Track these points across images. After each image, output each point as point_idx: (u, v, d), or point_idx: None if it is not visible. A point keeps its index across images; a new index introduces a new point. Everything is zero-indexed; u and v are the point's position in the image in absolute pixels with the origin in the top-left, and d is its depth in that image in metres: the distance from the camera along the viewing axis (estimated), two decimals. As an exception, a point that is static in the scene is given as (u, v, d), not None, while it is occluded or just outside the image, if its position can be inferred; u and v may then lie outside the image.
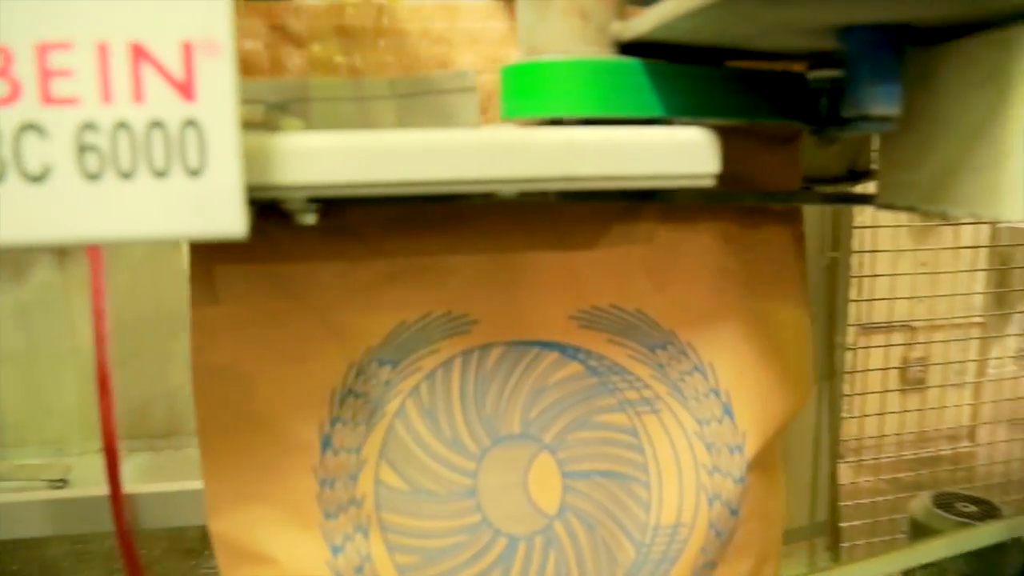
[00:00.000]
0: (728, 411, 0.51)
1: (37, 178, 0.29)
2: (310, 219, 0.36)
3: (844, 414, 1.17)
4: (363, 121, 0.40)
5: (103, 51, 0.29)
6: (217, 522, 0.48)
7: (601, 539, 0.51)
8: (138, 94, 0.29)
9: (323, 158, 0.32)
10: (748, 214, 0.51)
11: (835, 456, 1.15)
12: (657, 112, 0.39)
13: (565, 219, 0.48)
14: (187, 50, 0.29)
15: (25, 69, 0.29)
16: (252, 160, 0.31)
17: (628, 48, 0.40)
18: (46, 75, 0.29)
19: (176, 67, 0.29)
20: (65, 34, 0.29)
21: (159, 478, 1.05)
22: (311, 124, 0.38)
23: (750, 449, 0.51)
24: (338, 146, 0.33)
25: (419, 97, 0.42)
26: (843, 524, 1.19)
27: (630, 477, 0.51)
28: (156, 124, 0.30)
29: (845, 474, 1.24)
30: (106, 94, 0.29)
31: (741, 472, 0.51)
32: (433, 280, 0.48)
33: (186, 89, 0.30)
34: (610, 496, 0.51)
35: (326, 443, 0.49)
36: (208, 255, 0.47)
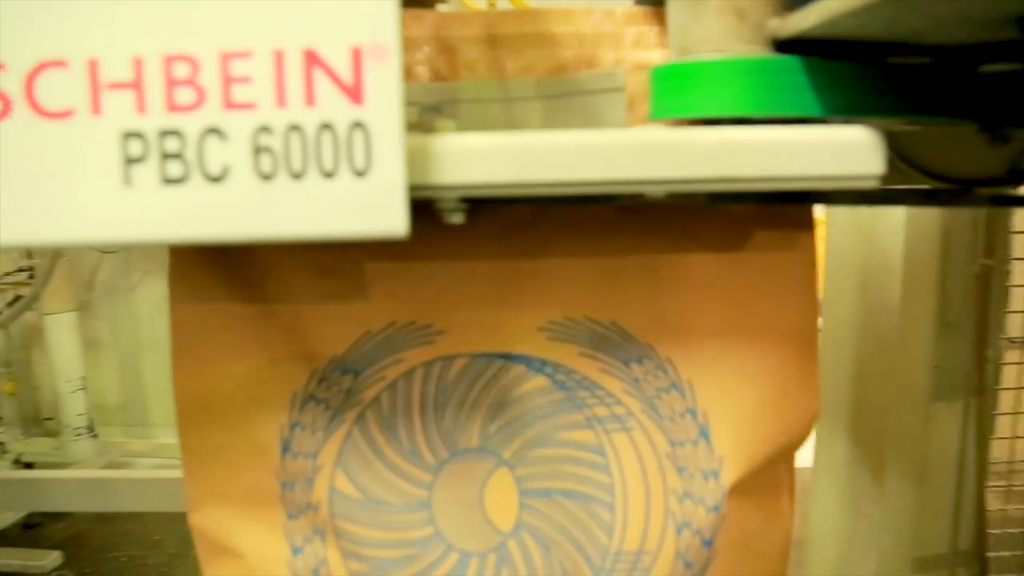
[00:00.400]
0: (705, 434, 0.47)
1: (217, 179, 0.31)
2: (458, 219, 0.37)
3: (994, 435, 1.09)
4: (509, 123, 0.41)
5: (279, 58, 0.31)
6: (194, 515, 0.50)
7: (558, 561, 0.49)
8: (310, 98, 0.31)
9: (481, 159, 0.33)
10: (746, 226, 0.47)
11: (982, 480, 1.07)
12: (816, 111, 0.38)
13: (540, 228, 0.46)
14: (356, 55, 0.31)
15: (209, 77, 0.31)
16: (411, 161, 0.32)
17: (782, 45, 0.38)
18: (228, 82, 0.31)
19: (346, 72, 0.31)
20: (245, 43, 0.31)
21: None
22: (459, 126, 0.39)
23: (728, 476, 0.47)
24: (495, 147, 0.33)
25: (566, 98, 0.42)
26: (990, 554, 1.11)
27: (593, 498, 0.48)
28: (326, 126, 0.31)
29: (993, 500, 1.15)
30: (281, 99, 0.31)
31: (716, 500, 0.47)
32: (400, 289, 0.48)
33: (355, 93, 0.31)
34: (570, 517, 0.49)
35: (285, 447, 0.50)
36: (186, 255, 0.48)
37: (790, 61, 0.37)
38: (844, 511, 1.06)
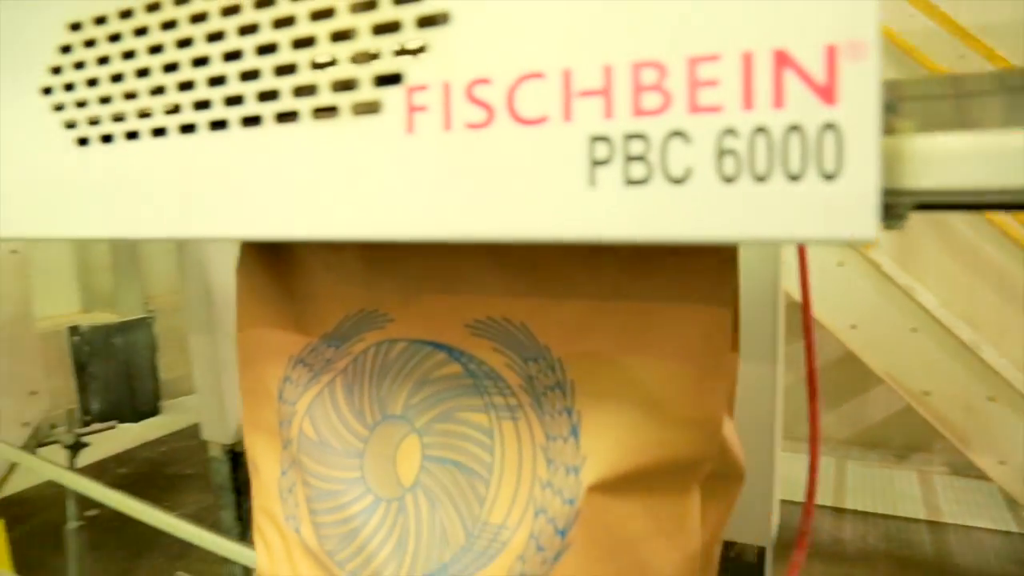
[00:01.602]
0: (575, 432, 0.51)
1: (678, 181, 0.32)
2: (900, 224, 0.34)
3: None
4: (961, 121, 0.37)
5: (747, 60, 0.31)
6: (244, 440, 0.69)
7: (439, 519, 0.55)
8: (778, 100, 0.31)
9: (958, 163, 0.30)
10: (662, 254, 0.50)
11: None
12: None
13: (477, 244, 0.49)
14: (830, 53, 0.30)
15: (676, 82, 0.32)
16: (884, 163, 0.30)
17: None
18: (694, 86, 0.32)
19: (818, 71, 0.30)
20: (713, 47, 0.31)
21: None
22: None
23: (589, 474, 0.49)
24: (976, 149, 0.30)
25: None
26: None
27: (476, 473, 0.54)
28: (794, 128, 0.30)
29: None
30: (748, 101, 0.31)
31: (573, 494, 0.50)
32: (371, 282, 0.59)
33: (827, 93, 0.30)
34: (456, 484, 0.55)
35: (280, 395, 0.65)
36: (250, 249, 0.63)
37: None
38: None
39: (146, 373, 4.05)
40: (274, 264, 0.65)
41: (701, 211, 0.32)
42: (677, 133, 0.32)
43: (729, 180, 0.31)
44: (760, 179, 0.31)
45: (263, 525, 0.67)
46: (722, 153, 0.31)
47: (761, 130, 0.31)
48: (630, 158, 0.33)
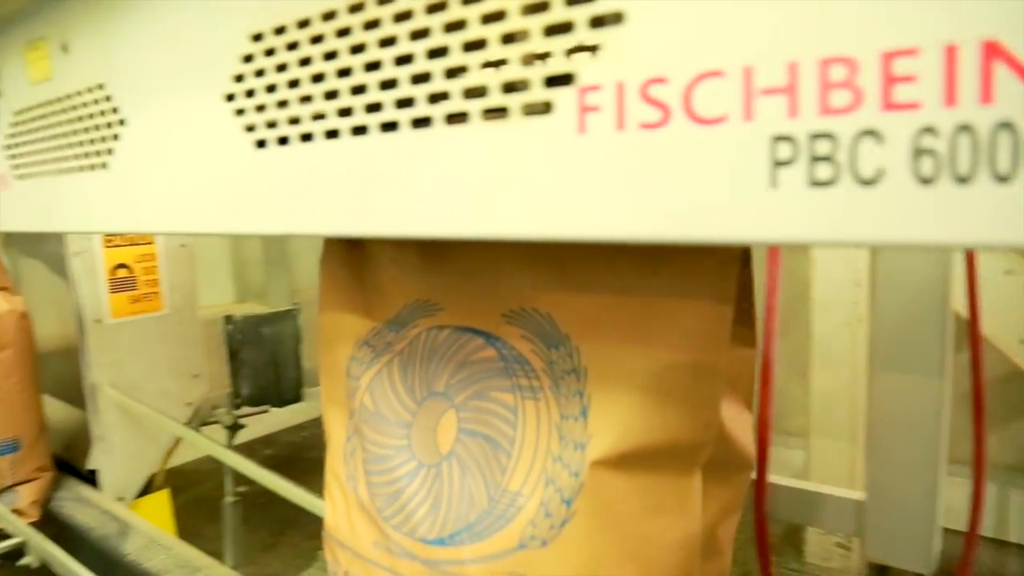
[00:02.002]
0: (584, 413, 0.56)
1: (869, 182, 0.30)
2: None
3: None
4: None
5: (950, 53, 0.29)
6: (322, 411, 0.79)
7: (468, 485, 0.61)
8: (985, 95, 0.28)
9: None
10: (674, 252, 0.54)
11: None
12: None
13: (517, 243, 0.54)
14: (1050, 44, 0.27)
15: (868, 78, 0.30)
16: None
17: None
18: (889, 82, 0.30)
19: (1035, 64, 0.27)
20: (911, 40, 0.29)
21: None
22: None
23: (593, 451, 0.55)
24: None
25: None
26: None
27: (500, 446, 0.60)
28: (1004, 126, 0.28)
29: None
30: (950, 97, 0.29)
31: (578, 468, 0.55)
32: (426, 276, 0.68)
33: (1045, 87, 0.27)
34: (484, 455, 0.61)
35: (348, 371, 0.74)
36: (332, 243, 0.75)
37: None
38: None
39: (291, 362, 4.30)
40: (350, 258, 0.75)
41: (893, 214, 0.30)
42: (868, 132, 0.30)
43: (927, 182, 0.29)
44: (962, 180, 0.29)
45: (331, 485, 0.77)
46: (919, 153, 0.29)
47: (965, 128, 0.29)
48: (815, 158, 0.31)
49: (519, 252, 0.61)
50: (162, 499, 2.07)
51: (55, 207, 0.86)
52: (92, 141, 0.76)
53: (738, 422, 0.59)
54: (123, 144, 0.72)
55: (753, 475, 0.91)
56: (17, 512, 1.72)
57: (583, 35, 0.37)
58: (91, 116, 0.76)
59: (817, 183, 0.31)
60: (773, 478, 0.89)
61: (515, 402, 0.60)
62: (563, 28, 0.38)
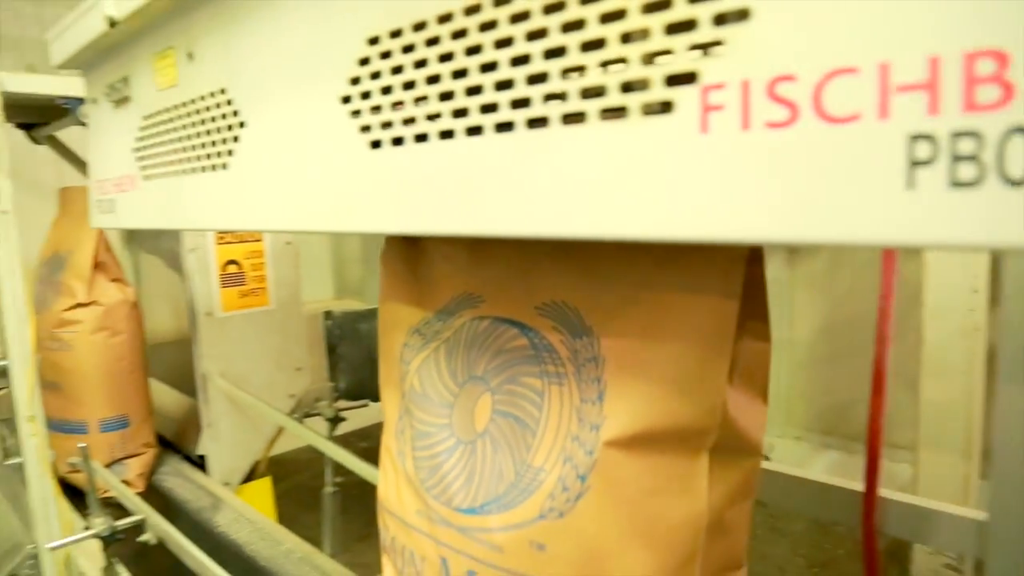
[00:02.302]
0: (600, 397, 0.60)
1: (1019, 183, 0.29)
2: None
3: None
4: None
5: (1116, 45, 0.27)
6: (380, 393, 0.86)
7: (498, 460, 0.67)
8: None
9: None
10: (685, 250, 0.58)
11: None
12: None
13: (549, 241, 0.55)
14: None
15: (1021, 72, 0.29)
16: None
17: None
18: (1044, 76, 0.28)
19: None
20: (1070, 31, 0.28)
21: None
22: None
23: (606, 432, 0.59)
24: None
25: None
26: None
27: (527, 426, 0.66)
28: None
29: None
30: (1114, 92, 0.27)
31: (592, 447, 0.60)
32: (472, 271, 0.74)
33: None
34: (513, 433, 0.67)
35: (400, 357, 0.81)
36: (392, 239, 0.83)
37: None
38: None
39: (385, 357, 4.39)
40: (407, 254, 0.82)
41: (1046, 217, 0.28)
42: (1020, 130, 0.29)
43: (1086, 182, 0.28)
44: None
45: (384, 459, 0.84)
46: (1077, 151, 0.28)
47: None
48: (958, 158, 0.30)
49: (555, 250, 0.66)
50: (265, 486, 2.16)
51: (177, 205, 0.91)
52: (214, 143, 0.81)
53: (748, 411, 0.62)
54: (243, 145, 0.75)
55: (860, 487, 0.88)
56: (125, 483, 1.84)
57: (706, 33, 0.37)
58: (213, 119, 0.80)
59: (959, 184, 0.30)
60: (884, 492, 0.86)
61: (542, 386, 0.66)
62: (685, 26, 0.37)
